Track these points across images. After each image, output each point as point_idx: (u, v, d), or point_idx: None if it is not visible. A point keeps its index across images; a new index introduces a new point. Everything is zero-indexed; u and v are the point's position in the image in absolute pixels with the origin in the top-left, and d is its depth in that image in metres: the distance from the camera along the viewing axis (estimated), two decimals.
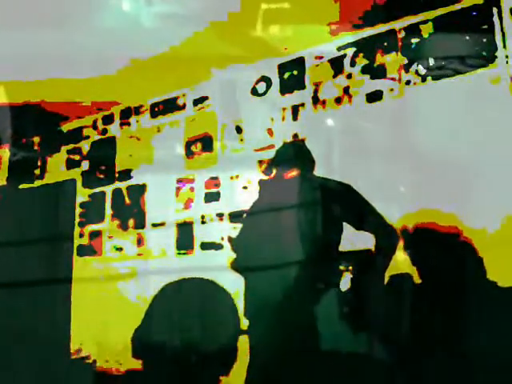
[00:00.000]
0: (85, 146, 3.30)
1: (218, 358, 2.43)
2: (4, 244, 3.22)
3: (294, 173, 2.42)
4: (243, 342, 2.38)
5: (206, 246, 2.68)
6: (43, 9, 2.17)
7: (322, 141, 2.41)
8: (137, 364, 2.73)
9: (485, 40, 2.09)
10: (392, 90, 2.29)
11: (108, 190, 3.12)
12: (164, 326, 2.64)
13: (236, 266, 2.47)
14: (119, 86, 2.89)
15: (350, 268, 2.22)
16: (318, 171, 2.40)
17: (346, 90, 2.41)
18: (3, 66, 2.55)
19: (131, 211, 2.99)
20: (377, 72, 2.34)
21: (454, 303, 1.94)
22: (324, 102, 2.47)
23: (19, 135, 3.38)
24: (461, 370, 1.86)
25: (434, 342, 1.94)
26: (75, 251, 3.14)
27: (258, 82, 2.68)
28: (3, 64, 2.51)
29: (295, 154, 2.46)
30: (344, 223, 2.26)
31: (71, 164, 3.32)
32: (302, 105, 2.52)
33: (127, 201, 3.02)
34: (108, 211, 3.09)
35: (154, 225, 2.90)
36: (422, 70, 2.22)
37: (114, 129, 3.20)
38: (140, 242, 2.93)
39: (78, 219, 3.20)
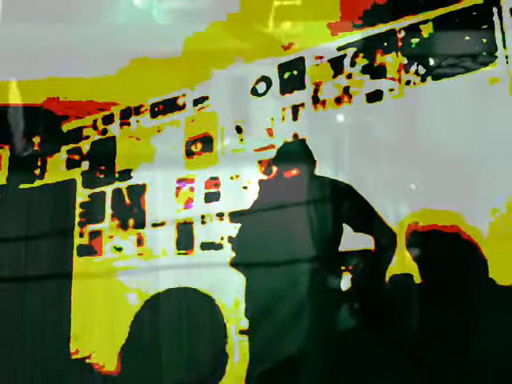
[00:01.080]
0: (85, 146, 3.30)
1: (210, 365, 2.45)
2: (3, 243, 3.22)
3: (294, 172, 2.42)
4: (243, 342, 2.38)
5: (205, 245, 2.68)
6: (50, 4, 2.15)
7: (321, 141, 2.41)
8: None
9: (485, 40, 2.09)
10: (392, 89, 2.29)
11: (108, 190, 3.12)
12: (151, 334, 2.67)
13: (235, 265, 2.47)
14: (119, 86, 2.89)
15: (351, 268, 2.22)
16: (318, 171, 2.40)
17: (346, 89, 2.41)
18: (5, 65, 2.54)
19: (131, 211, 2.99)
20: (377, 72, 2.35)
21: (457, 302, 1.94)
22: (324, 102, 2.47)
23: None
24: (465, 368, 1.86)
25: (437, 339, 1.94)
26: (75, 251, 3.14)
27: (257, 81, 2.68)
28: (5, 63, 2.50)
29: (296, 152, 2.46)
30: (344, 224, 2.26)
31: (71, 164, 3.32)
32: (302, 105, 2.52)
33: (127, 201, 3.02)
34: (108, 211, 3.09)
35: (154, 225, 2.90)
36: (422, 70, 2.22)
37: (114, 129, 3.20)
38: (140, 241, 2.93)
39: (78, 219, 3.20)
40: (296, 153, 2.46)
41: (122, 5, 2.21)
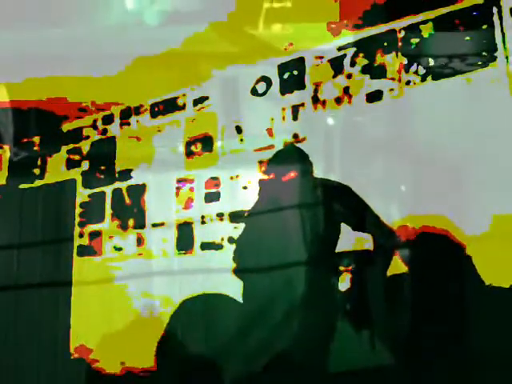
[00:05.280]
0: (85, 146, 3.29)
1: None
2: (3, 244, 3.22)
3: (292, 174, 2.42)
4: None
5: (205, 246, 2.67)
6: (45, 7, 2.15)
7: (322, 141, 2.41)
8: (136, 365, 2.73)
9: (485, 40, 2.09)
10: (392, 89, 2.29)
11: (108, 190, 3.12)
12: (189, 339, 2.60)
13: (238, 272, 2.46)
14: (119, 86, 2.89)
15: (350, 268, 2.22)
16: (318, 171, 2.40)
17: (346, 90, 2.41)
18: (3, 66, 2.55)
19: (131, 211, 2.99)
20: (377, 72, 2.34)
21: (448, 306, 1.94)
22: (324, 102, 2.47)
23: (20, 135, 3.37)
24: (459, 369, 1.86)
25: (432, 341, 1.94)
26: (75, 251, 3.14)
27: (257, 81, 2.68)
28: (3, 63, 2.50)
29: (294, 155, 2.46)
30: (342, 224, 2.26)
31: (71, 164, 3.32)
32: (302, 105, 2.52)
33: (127, 201, 3.02)
34: (108, 211, 3.09)
35: (154, 225, 2.90)
36: (422, 70, 2.22)
37: (113, 129, 3.20)
38: (140, 241, 2.93)
39: (78, 219, 3.19)
40: (292, 156, 2.45)
41: (115, 7, 2.21)
